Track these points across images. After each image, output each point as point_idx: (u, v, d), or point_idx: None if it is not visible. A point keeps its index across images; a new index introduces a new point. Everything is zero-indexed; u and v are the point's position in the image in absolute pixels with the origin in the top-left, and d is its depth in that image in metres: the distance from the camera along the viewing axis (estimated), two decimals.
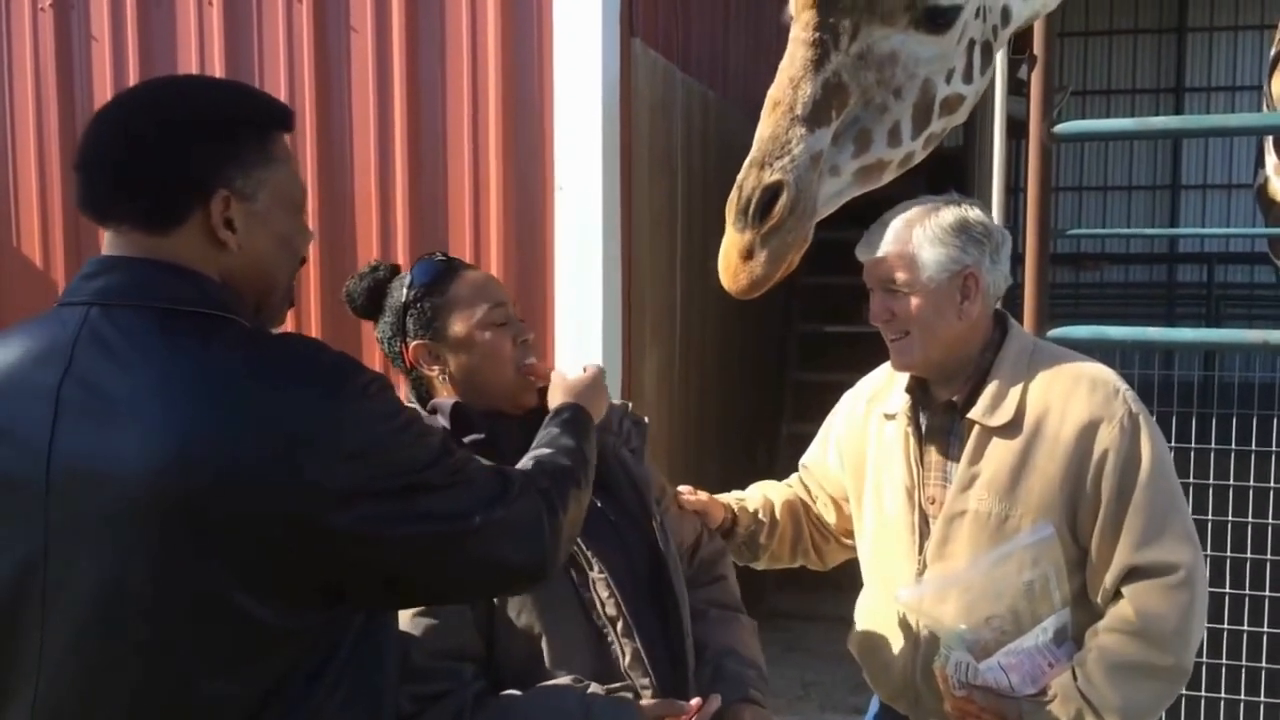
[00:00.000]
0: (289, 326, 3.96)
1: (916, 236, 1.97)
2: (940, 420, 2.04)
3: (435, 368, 1.86)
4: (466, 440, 1.78)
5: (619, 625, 1.76)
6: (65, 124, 4.15)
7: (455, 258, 1.94)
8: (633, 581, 1.81)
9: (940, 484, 2.02)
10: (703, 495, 2.18)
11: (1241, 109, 12.53)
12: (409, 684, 1.59)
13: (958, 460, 1.99)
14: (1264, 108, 3.30)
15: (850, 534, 2.27)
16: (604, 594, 1.76)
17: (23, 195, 4.21)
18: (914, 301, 1.97)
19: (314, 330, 3.97)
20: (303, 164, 3.93)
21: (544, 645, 1.73)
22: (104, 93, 4.10)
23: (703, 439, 5.13)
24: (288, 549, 1.26)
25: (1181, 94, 12.87)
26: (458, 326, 1.85)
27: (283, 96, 3.93)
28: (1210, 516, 3.53)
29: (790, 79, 1.73)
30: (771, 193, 1.70)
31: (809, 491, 2.36)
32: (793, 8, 1.79)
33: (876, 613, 2.14)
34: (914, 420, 2.07)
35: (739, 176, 1.74)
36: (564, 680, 1.71)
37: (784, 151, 1.70)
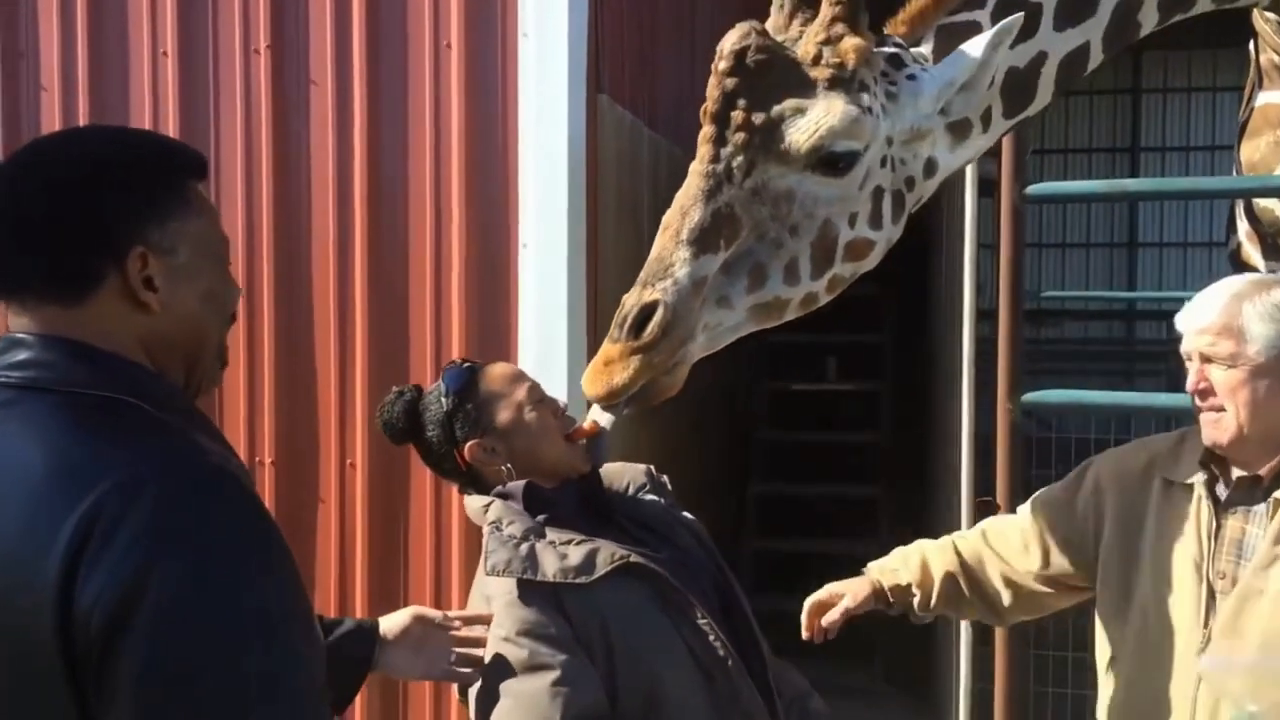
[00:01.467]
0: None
1: (1246, 311, 1.95)
2: (1240, 495, 2.01)
3: (495, 462, 1.97)
4: (539, 520, 1.90)
5: (730, 664, 1.85)
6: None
7: (472, 360, 2.10)
8: (719, 623, 1.92)
9: (1233, 560, 1.98)
10: (838, 608, 2.24)
11: (1195, 169, 12.74)
12: None
13: (1256, 537, 1.96)
14: (1233, 171, 3.27)
15: (1055, 585, 2.26)
16: (712, 639, 1.86)
17: None
18: (1236, 376, 1.95)
19: (268, 386, 3.83)
20: (258, 218, 3.81)
21: (659, 697, 1.80)
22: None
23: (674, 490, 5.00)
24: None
25: (1137, 153, 13.07)
26: (504, 415, 1.99)
27: (239, 149, 3.82)
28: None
29: (681, 206, 1.78)
30: (647, 311, 1.74)
31: (994, 547, 2.32)
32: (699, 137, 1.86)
33: (1147, 679, 2.07)
34: (1210, 493, 2.03)
35: (625, 297, 1.81)
36: None
37: (666, 274, 1.75)
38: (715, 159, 1.78)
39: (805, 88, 1.79)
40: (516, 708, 1.74)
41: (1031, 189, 3.20)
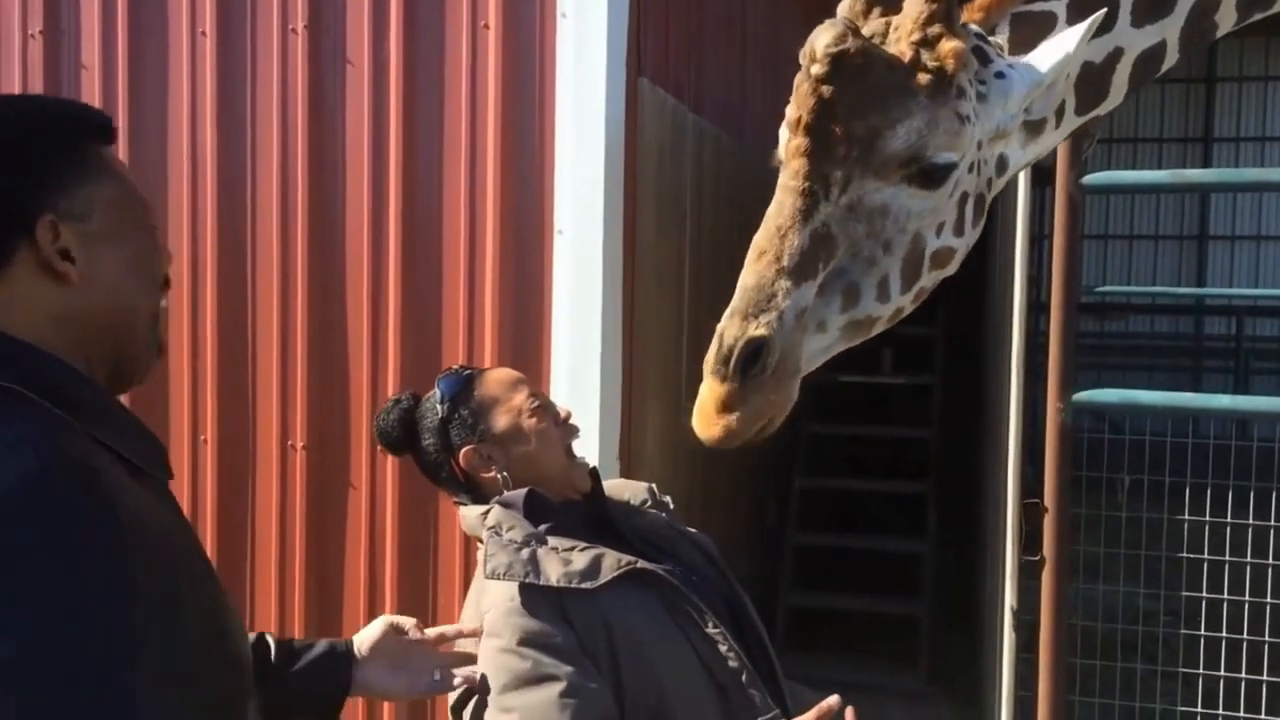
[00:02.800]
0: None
1: None
2: None
3: (492, 469, 1.90)
4: (541, 529, 1.82)
5: (743, 676, 1.78)
6: None
7: (471, 366, 2.03)
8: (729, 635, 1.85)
9: None
10: None
11: (1271, 159, 12.32)
12: None
13: None
14: None
15: None
16: (724, 649, 1.79)
17: None
18: None
19: (300, 370, 3.80)
20: (293, 198, 3.77)
21: (668, 708, 1.74)
22: None
23: (708, 496, 4.91)
24: None
25: (1210, 144, 12.67)
26: (501, 421, 1.92)
27: (275, 128, 3.78)
28: (1247, 598, 3.30)
29: (778, 228, 1.67)
30: (755, 347, 1.62)
31: None
32: (782, 153, 1.74)
33: None
34: None
35: (720, 325, 1.67)
36: None
37: (769, 305, 1.63)
38: (811, 175, 1.66)
39: (905, 94, 1.66)
40: None
41: (1088, 178, 3.05)
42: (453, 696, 1.85)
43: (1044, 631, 3.11)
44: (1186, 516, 3.43)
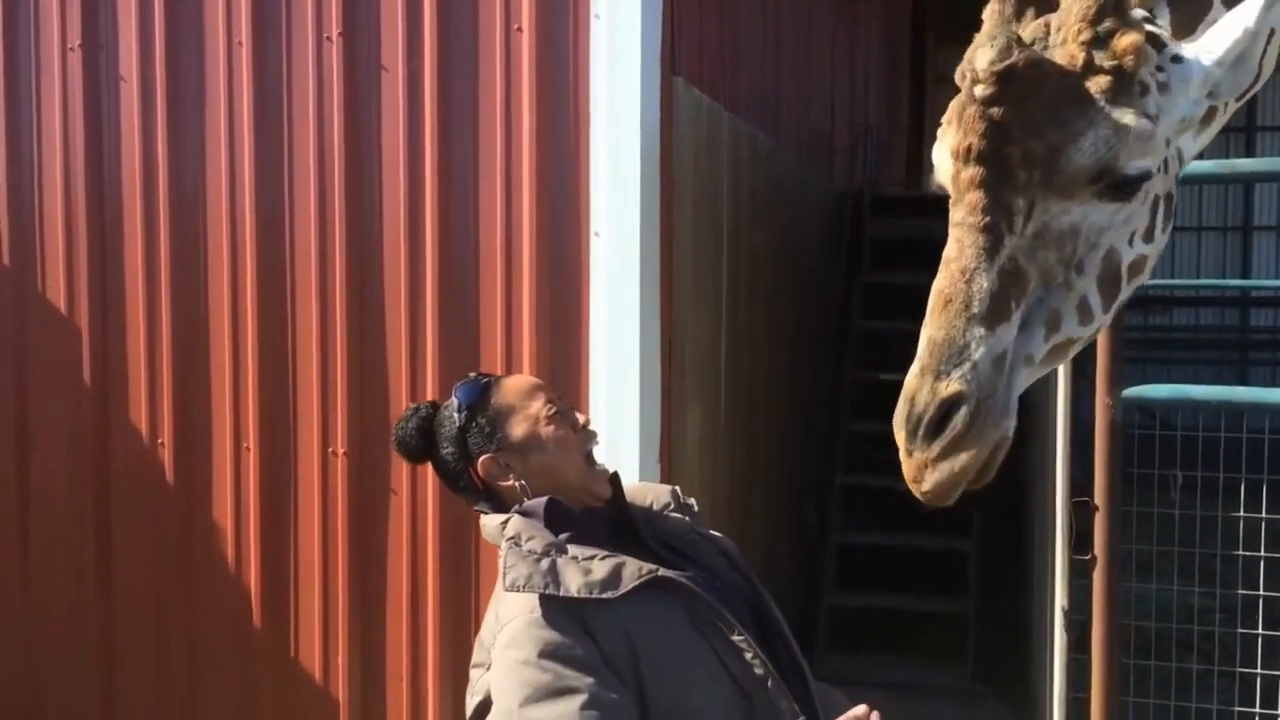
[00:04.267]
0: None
1: None
2: None
3: (510, 478, 1.87)
4: (561, 538, 1.78)
5: (770, 684, 1.74)
6: (91, 166, 4.05)
7: (489, 373, 1.99)
8: (754, 641, 1.81)
9: None
10: None
11: None
12: None
13: None
14: None
15: None
16: (749, 656, 1.75)
17: (48, 240, 4.11)
18: None
19: (340, 376, 3.80)
20: (331, 204, 3.78)
21: (692, 715, 1.71)
22: (131, 134, 4.00)
23: (749, 494, 4.87)
24: None
25: (1253, 133, 12.46)
26: (519, 429, 1.89)
27: (312, 134, 3.79)
28: None
29: (961, 271, 1.51)
30: (949, 406, 1.48)
31: None
32: (948, 182, 1.58)
33: None
34: None
35: (908, 386, 1.52)
36: None
37: (962, 358, 1.48)
38: (989, 207, 1.50)
39: (1084, 103, 1.50)
40: None
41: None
42: (470, 708, 1.83)
43: (1096, 631, 3.05)
44: (1241, 514, 3.35)
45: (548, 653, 1.67)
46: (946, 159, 1.58)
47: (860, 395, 6.27)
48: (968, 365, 1.47)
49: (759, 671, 1.75)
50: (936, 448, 1.48)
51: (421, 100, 3.69)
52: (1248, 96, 1.80)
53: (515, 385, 1.96)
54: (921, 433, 1.48)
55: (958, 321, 1.49)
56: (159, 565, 4.06)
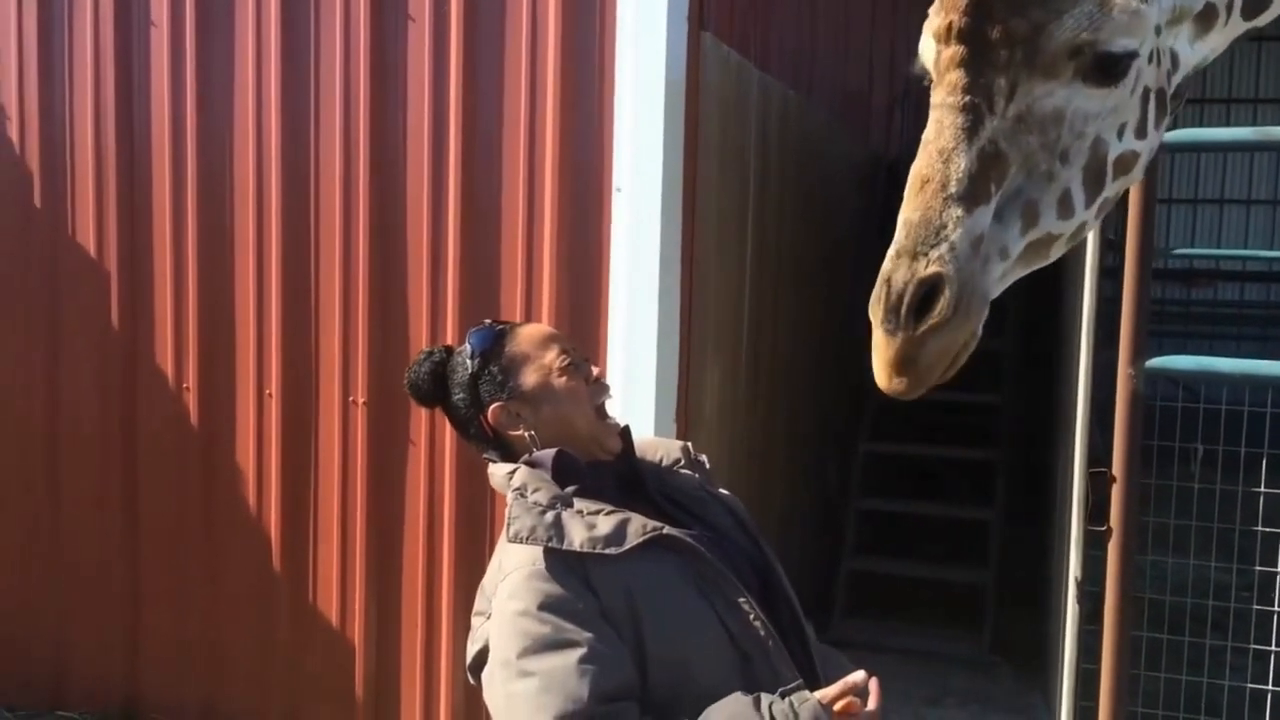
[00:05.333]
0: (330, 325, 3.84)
1: None
2: None
3: (520, 427, 1.86)
4: (567, 491, 1.77)
5: (770, 645, 1.74)
6: (121, 112, 4.08)
7: (504, 321, 1.97)
8: (758, 603, 1.80)
9: None
10: None
11: None
12: None
13: None
14: None
15: None
16: (750, 616, 1.74)
17: (79, 184, 4.16)
18: None
19: (362, 326, 3.83)
20: (356, 153, 3.80)
21: (690, 676, 1.69)
22: (161, 79, 4.02)
23: (768, 456, 4.87)
24: None
25: None
26: (531, 379, 1.87)
27: (338, 83, 3.80)
28: None
29: (939, 151, 1.48)
30: (929, 286, 1.44)
31: None
32: (930, 65, 1.55)
33: None
34: None
35: (884, 268, 1.48)
36: (736, 696, 1.66)
37: (939, 238, 1.45)
38: (970, 87, 1.47)
39: None
40: (542, 687, 1.63)
41: (1169, 136, 2.91)
42: (470, 656, 1.84)
43: (1109, 603, 3.02)
44: (1262, 489, 3.30)
45: (548, 605, 1.67)
46: (930, 43, 1.56)
47: None
48: (945, 246, 1.44)
49: (760, 633, 1.74)
50: (921, 328, 1.45)
51: (447, 52, 3.68)
52: (1256, 25, 1.74)
53: (530, 334, 1.94)
54: (904, 311, 1.44)
55: (934, 202, 1.46)
56: (183, 509, 4.14)
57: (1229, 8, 1.68)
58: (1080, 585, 3.28)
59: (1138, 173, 1.63)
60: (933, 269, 1.43)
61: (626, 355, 3.53)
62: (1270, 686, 3.28)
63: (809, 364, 5.57)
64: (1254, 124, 11.81)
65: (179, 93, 4.00)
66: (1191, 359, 3.08)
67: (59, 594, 4.30)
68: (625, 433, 1.93)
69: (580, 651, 1.63)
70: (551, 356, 1.89)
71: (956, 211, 1.45)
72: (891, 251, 1.48)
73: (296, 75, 3.85)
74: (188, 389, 4.08)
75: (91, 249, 4.15)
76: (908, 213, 1.48)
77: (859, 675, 1.67)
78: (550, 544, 1.69)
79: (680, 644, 1.70)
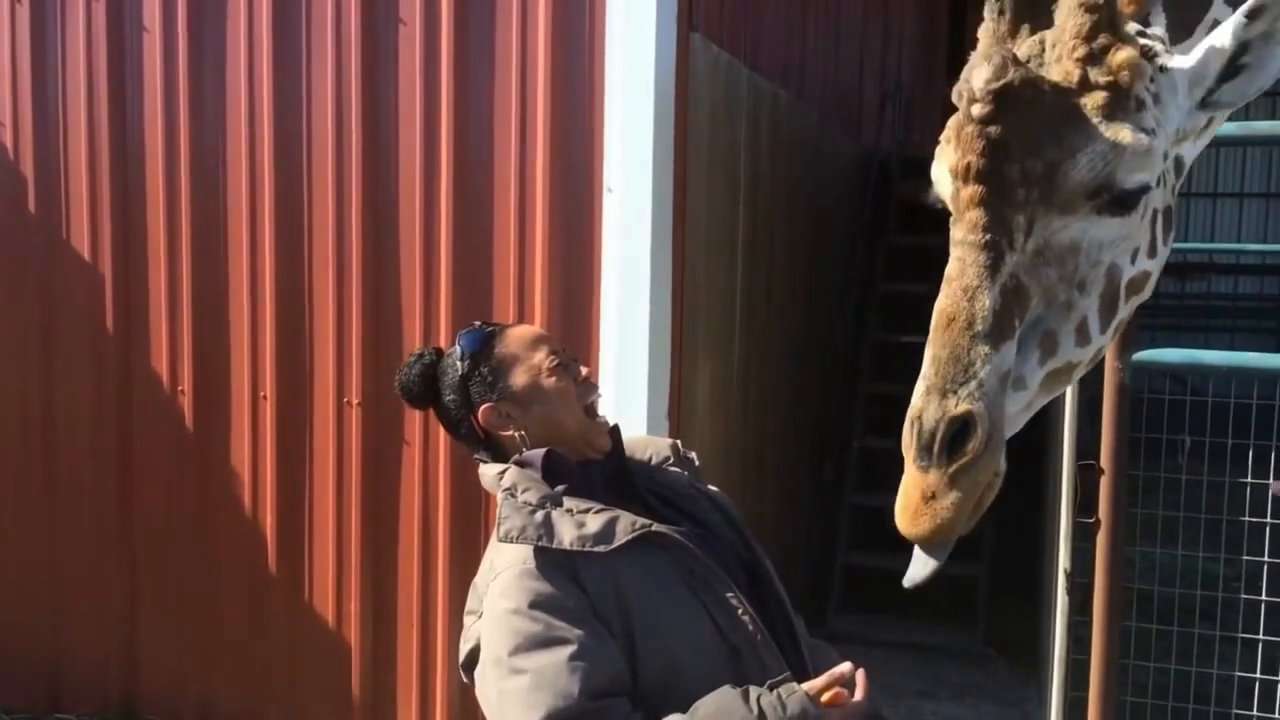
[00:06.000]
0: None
1: None
2: None
3: (510, 427, 1.88)
4: (557, 490, 1.80)
5: (759, 640, 1.76)
6: (115, 115, 4.10)
7: (494, 322, 1.99)
8: (746, 598, 1.83)
9: None
10: None
11: None
12: None
13: None
14: None
15: None
16: (739, 612, 1.77)
17: (73, 188, 4.18)
18: None
19: (355, 327, 3.86)
20: (348, 155, 3.82)
21: (680, 671, 1.71)
22: (154, 84, 4.05)
23: (761, 455, 4.90)
24: None
25: None
26: (520, 379, 1.89)
27: (330, 89, 3.82)
28: None
29: (964, 289, 1.51)
30: (960, 424, 1.46)
31: None
32: (948, 200, 1.58)
33: None
34: None
35: (914, 406, 1.51)
36: (725, 690, 1.68)
37: (968, 375, 1.47)
38: (990, 225, 1.50)
39: (1081, 119, 1.50)
40: (534, 685, 1.64)
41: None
42: (463, 654, 1.87)
43: (1098, 594, 3.06)
44: (1249, 479, 3.34)
45: (539, 603, 1.69)
46: (946, 177, 1.58)
47: (881, 357, 6.26)
48: (974, 383, 1.47)
49: (749, 628, 1.76)
50: (954, 468, 1.46)
51: (438, 54, 3.70)
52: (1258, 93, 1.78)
53: (519, 335, 1.95)
54: (936, 449, 1.47)
55: (962, 340, 1.49)
56: (178, 511, 4.16)
57: (1233, 105, 1.70)
58: (1070, 577, 3.31)
59: (1149, 290, 1.66)
60: (964, 406, 1.46)
61: (618, 355, 3.56)
62: (1259, 675, 3.31)
63: (802, 360, 5.60)
64: (1243, 120, 11.83)
65: (171, 97, 4.02)
66: (1178, 351, 3.11)
67: (55, 596, 4.33)
68: (615, 431, 1.95)
69: (571, 649, 1.66)
70: (540, 357, 1.91)
71: (984, 349, 1.47)
72: (920, 388, 1.50)
73: (288, 80, 3.87)
74: (182, 391, 4.11)
75: (86, 253, 4.17)
76: (935, 349, 1.50)
77: (845, 666, 1.70)
78: (540, 543, 1.72)
79: (670, 639, 1.72)
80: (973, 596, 5.51)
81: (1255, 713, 3.31)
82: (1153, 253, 1.62)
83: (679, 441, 2.09)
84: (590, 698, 1.64)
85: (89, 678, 4.30)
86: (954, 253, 1.55)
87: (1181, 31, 1.67)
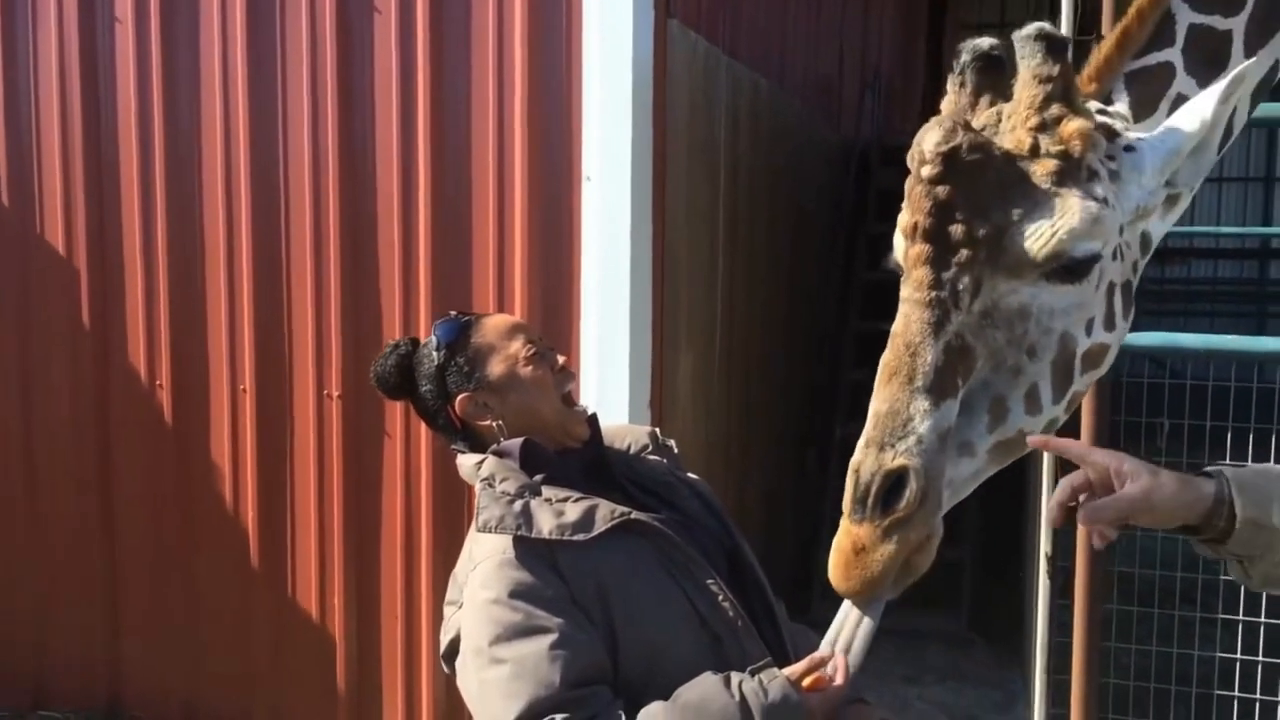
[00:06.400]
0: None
1: None
2: None
3: (487, 417, 1.87)
4: (535, 479, 1.79)
5: (739, 626, 1.76)
6: (88, 107, 4.06)
7: (470, 312, 1.98)
8: (727, 585, 1.83)
9: None
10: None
11: None
12: (558, 713, 1.61)
13: None
14: None
15: None
16: (719, 599, 1.77)
17: (46, 183, 4.14)
18: None
19: (334, 319, 3.84)
20: (324, 146, 3.80)
21: (662, 658, 1.71)
22: (127, 76, 4.01)
23: (745, 444, 4.90)
24: None
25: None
26: (497, 369, 1.88)
27: (305, 79, 3.80)
28: None
29: (906, 345, 1.52)
30: (895, 479, 1.47)
31: None
32: (901, 259, 1.60)
33: None
34: None
35: (854, 458, 1.51)
36: (706, 676, 1.68)
37: (907, 430, 1.47)
38: (936, 283, 1.52)
39: (1028, 186, 1.52)
40: (514, 674, 1.64)
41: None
42: (444, 645, 1.86)
43: (1079, 577, 3.07)
44: (1228, 462, 3.35)
45: (519, 593, 1.69)
46: (899, 238, 1.60)
47: (863, 345, 6.27)
48: (913, 439, 1.47)
49: (729, 614, 1.76)
50: (886, 522, 1.46)
51: (414, 43, 3.68)
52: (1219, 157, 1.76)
53: (495, 324, 1.95)
54: (870, 503, 1.47)
55: (901, 394, 1.49)
56: (159, 506, 4.14)
57: (1191, 186, 1.71)
58: (1051, 560, 3.32)
59: (1106, 365, 1.65)
60: (900, 461, 1.46)
61: (599, 344, 3.55)
62: (1239, 656, 3.34)
63: (784, 348, 5.61)
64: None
65: (145, 88, 3.99)
66: (1156, 335, 3.12)
67: (38, 595, 4.30)
68: (593, 420, 1.95)
69: (551, 638, 1.65)
70: (517, 346, 1.90)
71: (923, 404, 1.48)
72: (861, 442, 1.51)
73: (263, 70, 3.84)
74: (161, 386, 4.08)
75: (60, 247, 4.14)
76: (876, 404, 1.51)
77: (826, 650, 1.70)
78: (519, 532, 1.71)
79: (651, 627, 1.72)
80: (957, 581, 5.53)
81: (1236, 693, 3.34)
82: (1110, 326, 1.62)
83: (658, 430, 2.08)
84: (571, 686, 1.63)
85: (73, 675, 4.27)
86: (901, 309, 1.56)
87: (1145, 107, 1.68)
